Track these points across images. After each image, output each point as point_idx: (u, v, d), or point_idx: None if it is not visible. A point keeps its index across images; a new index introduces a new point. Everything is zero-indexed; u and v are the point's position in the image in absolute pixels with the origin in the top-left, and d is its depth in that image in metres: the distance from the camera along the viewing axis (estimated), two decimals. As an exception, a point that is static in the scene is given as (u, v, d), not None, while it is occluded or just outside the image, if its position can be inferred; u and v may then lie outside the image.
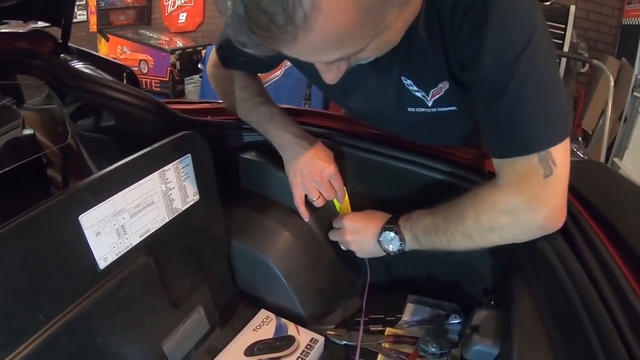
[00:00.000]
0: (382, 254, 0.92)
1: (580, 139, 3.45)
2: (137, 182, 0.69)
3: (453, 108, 0.79)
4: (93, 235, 0.63)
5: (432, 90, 0.77)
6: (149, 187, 0.72)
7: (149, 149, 0.72)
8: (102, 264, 0.66)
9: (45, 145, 1.51)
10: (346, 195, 1.00)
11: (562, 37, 3.30)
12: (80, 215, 0.61)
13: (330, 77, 0.63)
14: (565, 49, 3.30)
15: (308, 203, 1.00)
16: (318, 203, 0.98)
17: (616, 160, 3.23)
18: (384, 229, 0.88)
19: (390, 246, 0.88)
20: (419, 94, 0.79)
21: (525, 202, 0.67)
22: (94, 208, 0.63)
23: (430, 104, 0.79)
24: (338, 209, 1.02)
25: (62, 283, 0.62)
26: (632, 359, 0.47)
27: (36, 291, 0.59)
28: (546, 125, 0.64)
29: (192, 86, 4.73)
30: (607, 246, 0.63)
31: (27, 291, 0.58)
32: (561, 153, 0.64)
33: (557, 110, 0.65)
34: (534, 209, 0.67)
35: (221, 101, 1.10)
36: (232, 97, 1.03)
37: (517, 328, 0.65)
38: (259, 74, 1.09)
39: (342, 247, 0.99)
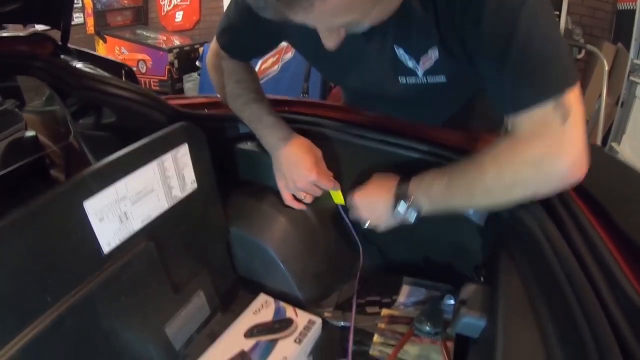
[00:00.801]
0: (401, 222, 0.89)
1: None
2: (137, 170, 0.73)
3: (442, 79, 0.82)
4: (97, 221, 0.67)
5: (422, 57, 0.79)
6: (148, 175, 0.75)
7: (147, 139, 0.75)
8: (106, 249, 0.70)
9: (47, 146, 1.55)
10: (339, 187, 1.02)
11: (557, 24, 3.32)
12: (85, 202, 0.65)
13: (331, 42, 0.67)
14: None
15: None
16: (307, 200, 1.01)
17: (614, 145, 3.24)
18: (396, 199, 0.85)
19: (407, 217, 0.85)
20: (410, 64, 0.81)
21: (547, 151, 0.66)
22: (97, 194, 0.66)
23: (420, 74, 0.82)
24: (332, 196, 1.04)
25: (69, 266, 0.65)
26: (614, 330, 0.50)
27: (45, 274, 0.62)
28: (557, 71, 0.65)
29: (190, 84, 4.76)
30: (592, 222, 0.65)
31: (36, 274, 0.61)
32: (574, 98, 0.64)
33: (564, 56, 0.66)
34: (557, 156, 0.65)
35: (216, 95, 1.13)
36: (228, 89, 1.05)
37: (503, 301, 0.67)
38: (256, 69, 1.13)
39: (363, 226, 0.97)
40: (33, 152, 1.44)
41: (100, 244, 0.69)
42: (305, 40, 0.88)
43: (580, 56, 3.73)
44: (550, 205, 0.72)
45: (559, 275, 0.60)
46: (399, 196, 0.85)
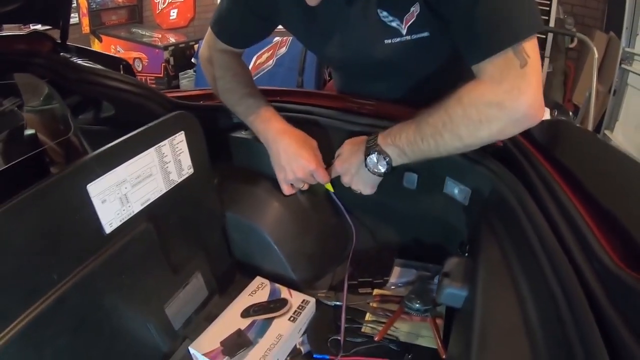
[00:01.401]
0: (380, 179, 0.94)
1: (570, 113, 3.51)
2: (137, 155, 0.77)
3: (426, 34, 0.87)
4: (99, 203, 0.71)
5: (405, 17, 0.84)
6: (147, 160, 0.79)
7: (146, 126, 0.79)
8: (107, 229, 0.74)
9: (48, 143, 1.58)
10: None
11: (548, 14, 3.35)
12: (88, 185, 0.69)
13: None
14: (551, 24, 3.35)
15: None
16: (303, 188, 1.06)
17: (607, 132, 3.29)
18: (366, 153, 0.91)
19: (379, 168, 0.90)
20: (394, 24, 0.86)
21: (508, 92, 0.72)
22: (100, 178, 0.70)
23: (404, 32, 0.87)
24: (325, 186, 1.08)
25: (73, 245, 0.69)
26: (586, 289, 0.54)
27: (50, 253, 0.66)
28: (518, 21, 0.71)
29: (186, 81, 4.79)
30: (568, 194, 0.69)
31: (42, 253, 0.65)
32: (532, 45, 0.71)
33: (527, 7, 0.72)
34: (517, 96, 0.71)
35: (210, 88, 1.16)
36: (221, 83, 1.09)
37: (483, 270, 0.72)
38: (251, 64, 1.16)
39: (357, 192, 1.01)
40: (32, 150, 1.47)
41: (103, 224, 0.72)
42: (295, 19, 0.95)
43: (572, 45, 3.77)
44: (527, 179, 0.77)
45: (534, 243, 0.64)
46: (368, 150, 0.90)
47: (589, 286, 0.54)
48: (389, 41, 0.89)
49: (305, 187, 1.05)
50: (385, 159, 0.89)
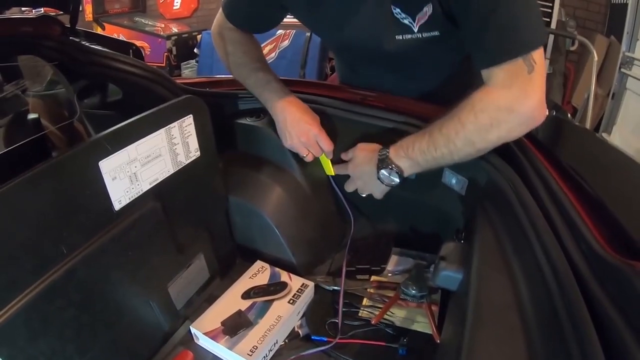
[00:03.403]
0: (390, 187, 0.98)
1: (569, 115, 3.53)
2: (147, 136, 0.79)
3: (436, 33, 0.90)
4: (110, 180, 0.73)
5: (417, 15, 0.87)
6: (157, 141, 0.81)
7: (157, 108, 0.82)
8: (117, 206, 0.76)
9: (52, 128, 1.59)
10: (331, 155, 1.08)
11: (550, 15, 3.37)
12: (100, 161, 0.71)
13: None
14: (553, 26, 3.37)
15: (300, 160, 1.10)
16: (307, 159, 1.07)
17: (605, 135, 3.31)
18: (378, 167, 0.94)
19: (392, 180, 0.94)
20: (406, 21, 0.89)
21: (517, 96, 0.77)
22: (111, 156, 0.73)
23: (416, 29, 0.90)
24: (324, 166, 1.10)
25: (83, 220, 0.71)
26: (575, 270, 0.57)
27: (61, 226, 0.68)
28: (529, 31, 0.76)
29: (188, 71, 4.78)
30: (560, 183, 0.72)
31: (53, 225, 0.67)
32: (539, 53, 0.76)
33: (536, 18, 0.78)
34: (525, 100, 0.76)
35: (217, 76, 1.19)
36: (232, 58, 1.10)
37: (478, 254, 0.74)
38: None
39: (362, 195, 1.05)
40: (35, 134, 1.48)
41: (112, 201, 0.75)
42: (303, 5, 0.97)
43: (573, 48, 3.78)
44: (522, 170, 0.80)
45: (527, 228, 0.67)
46: (380, 163, 0.94)
47: (578, 268, 0.57)
48: (400, 37, 0.92)
49: (310, 157, 1.07)
50: (397, 174, 0.93)
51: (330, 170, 1.09)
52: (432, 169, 0.90)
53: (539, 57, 0.76)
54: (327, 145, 1.04)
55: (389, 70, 1.10)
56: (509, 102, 0.77)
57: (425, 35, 0.90)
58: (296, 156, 1.10)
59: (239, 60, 1.09)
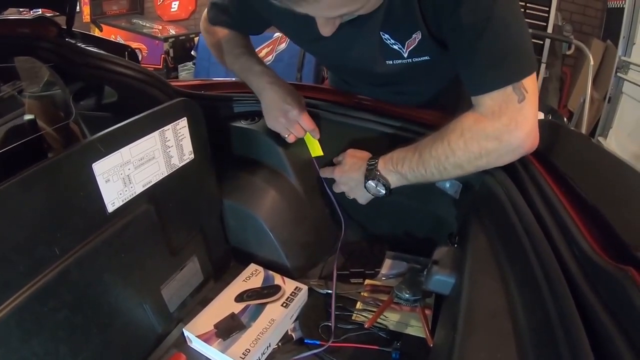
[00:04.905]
0: (376, 196, 0.98)
1: (565, 119, 3.55)
2: (141, 138, 0.79)
3: (426, 58, 0.89)
4: (103, 182, 0.73)
5: (407, 42, 0.87)
6: (150, 143, 0.81)
7: (151, 110, 0.82)
8: (110, 208, 0.76)
9: (47, 129, 1.59)
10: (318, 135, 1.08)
11: (546, 20, 3.39)
12: (94, 163, 0.71)
13: (328, 30, 0.76)
14: (549, 30, 3.39)
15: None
16: (289, 140, 1.07)
17: (601, 139, 3.33)
18: (366, 177, 0.95)
19: (378, 191, 0.95)
20: (395, 47, 0.89)
21: (506, 125, 0.76)
22: (105, 158, 0.72)
23: (406, 55, 0.89)
24: (309, 147, 1.10)
25: (76, 222, 0.71)
26: (567, 275, 0.56)
27: (54, 227, 0.68)
28: (519, 61, 0.75)
29: (185, 73, 4.78)
30: (553, 187, 0.72)
31: (46, 227, 0.67)
32: (531, 82, 0.74)
33: (526, 46, 0.76)
34: (514, 130, 0.75)
35: (212, 79, 1.19)
36: (219, 49, 1.11)
37: (470, 258, 0.75)
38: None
39: (348, 197, 1.06)
40: (32, 134, 1.48)
41: (105, 203, 0.75)
42: (292, 25, 0.97)
43: (569, 52, 3.80)
44: (516, 174, 0.80)
45: (520, 233, 0.67)
46: (369, 173, 0.94)
47: (571, 273, 0.57)
48: (391, 62, 0.92)
49: (292, 138, 1.06)
50: (384, 186, 0.93)
51: (315, 151, 1.09)
52: (420, 183, 0.90)
53: (530, 84, 0.74)
54: (308, 124, 1.04)
55: (382, 85, 1.10)
56: (498, 132, 0.76)
57: (415, 60, 0.90)
58: (291, 159, 1.10)
59: (225, 49, 1.10)
